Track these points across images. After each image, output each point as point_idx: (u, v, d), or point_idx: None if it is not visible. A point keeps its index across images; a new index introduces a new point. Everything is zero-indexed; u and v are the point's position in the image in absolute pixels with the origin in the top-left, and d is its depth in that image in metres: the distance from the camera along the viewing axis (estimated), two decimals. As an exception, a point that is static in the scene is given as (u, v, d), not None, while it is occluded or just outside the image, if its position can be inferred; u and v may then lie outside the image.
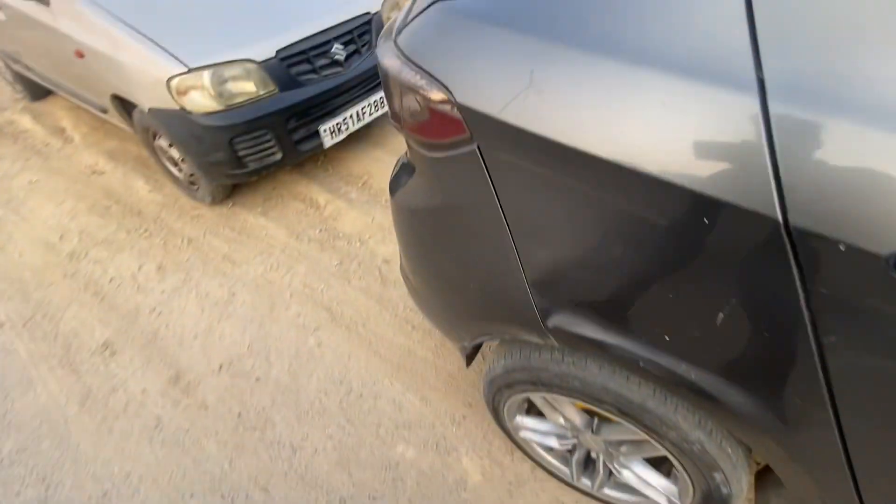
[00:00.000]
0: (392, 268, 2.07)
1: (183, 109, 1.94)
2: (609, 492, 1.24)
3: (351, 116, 2.39)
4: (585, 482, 1.27)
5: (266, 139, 2.12)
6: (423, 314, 1.35)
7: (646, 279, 0.72)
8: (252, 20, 2.10)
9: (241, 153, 2.09)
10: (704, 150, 0.57)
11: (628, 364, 0.83)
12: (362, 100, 2.42)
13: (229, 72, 1.94)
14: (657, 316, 0.74)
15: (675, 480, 1.07)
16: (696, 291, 0.67)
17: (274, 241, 2.26)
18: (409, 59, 0.83)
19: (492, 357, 1.17)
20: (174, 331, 1.88)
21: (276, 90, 2.06)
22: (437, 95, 0.79)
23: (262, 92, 2.03)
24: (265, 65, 2.01)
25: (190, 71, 1.86)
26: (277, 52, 2.03)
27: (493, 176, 0.79)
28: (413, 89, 0.82)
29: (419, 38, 0.81)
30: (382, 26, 2.45)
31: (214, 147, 2.03)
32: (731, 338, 0.68)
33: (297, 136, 2.23)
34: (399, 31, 0.87)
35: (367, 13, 2.36)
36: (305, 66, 2.15)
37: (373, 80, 2.44)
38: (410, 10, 0.91)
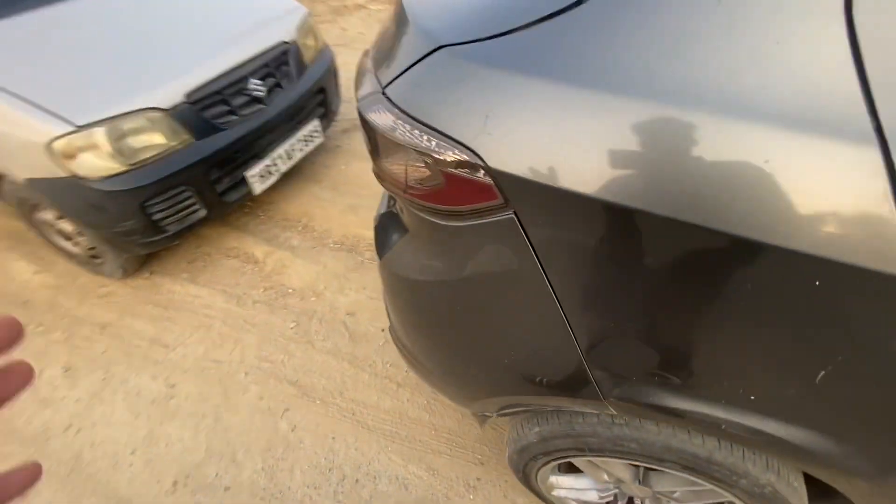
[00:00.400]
0: (359, 320, 1.87)
1: (74, 176, 1.58)
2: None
3: (280, 157, 2.15)
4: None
5: (186, 196, 1.81)
6: (428, 384, 1.19)
7: (734, 341, 0.64)
8: (153, 62, 1.78)
9: (157, 217, 1.76)
10: (816, 209, 0.49)
11: (706, 428, 0.75)
12: (290, 137, 2.18)
13: (130, 124, 1.62)
14: (743, 377, 0.67)
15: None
16: (797, 352, 0.60)
17: (211, 311, 1.94)
18: (411, 117, 0.68)
19: (517, 424, 1.05)
20: (103, 449, 1.52)
21: (191, 139, 1.77)
22: (458, 159, 0.65)
23: (173, 143, 1.73)
24: (174, 112, 1.71)
25: (78, 129, 1.52)
26: (187, 95, 1.74)
27: (535, 244, 0.67)
28: (422, 152, 0.68)
29: (425, 91, 0.66)
30: (300, 55, 2.24)
31: (122, 216, 1.69)
32: (832, 394, 0.62)
33: (221, 187, 1.94)
34: (390, 81, 0.72)
35: (283, 42, 2.13)
36: (222, 108, 1.87)
37: (299, 112, 2.22)
38: (393, 52, 0.77)
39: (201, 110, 1.80)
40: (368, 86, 0.78)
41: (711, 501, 0.98)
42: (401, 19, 0.80)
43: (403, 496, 1.37)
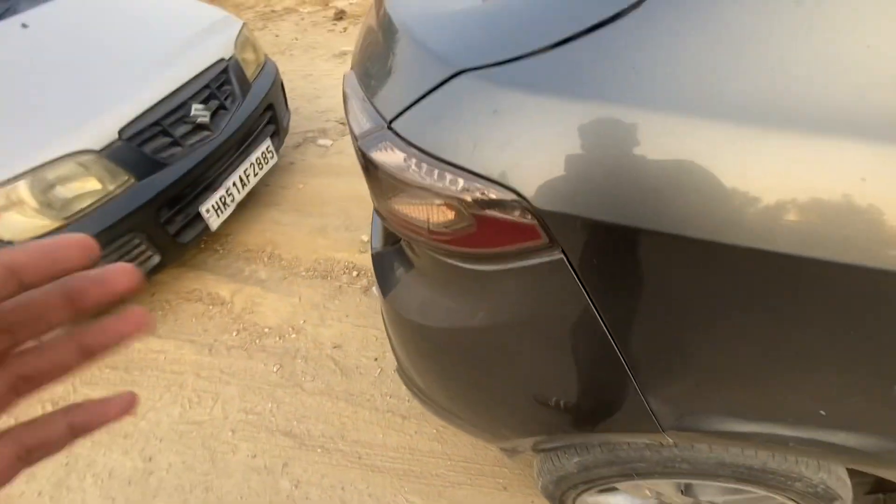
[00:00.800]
0: (347, 352, 1.75)
1: (-3, 240, 1.35)
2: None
3: (234, 185, 1.97)
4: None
5: (135, 245, 1.61)
6: (448, 423, 1.11)
7: (810, 363, 0.60)
8: (78, 98, 1.55)
9: (104, 271, 1.55)
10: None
11: (772, 446, 0.72)
12: (243, 161, 2.00)
13: (56, 172, 1.40)
14: (814, 395, 0.63)
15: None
16: (874, 366, 0.57)
17: (180, 365, 1.75)
18: (429, 155, 0.59)
19: (553, 455, 0.99)
20: (77, 547, 1.33)
21: (132, 180, 1.57)
22: (493, 199, 0.56)
23: (112, 188, 1.52)
24: (108, 152, 1.50)
25: (-7, 186, 1.30)
26: (120, 132, 1.54)
27: (587, 283, 0.60)
28: (447, 195, 0.59)
29: (445, 124, 0.57)
30: (241, 71, 2.05)
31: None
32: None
33: (174, 227, 1.74)
34: (397, 115, 0.62)
35: (222, 59, 1.94)
36: (164, 140, 1.67)
37: (249, 134, 2.04)
38: (391, 77, 0.67)
39: (139, 146, 1.59)
40: (365, 118, 0.68)
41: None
42: (392, 36, 0.70)
43: (430, 539, 1.29)
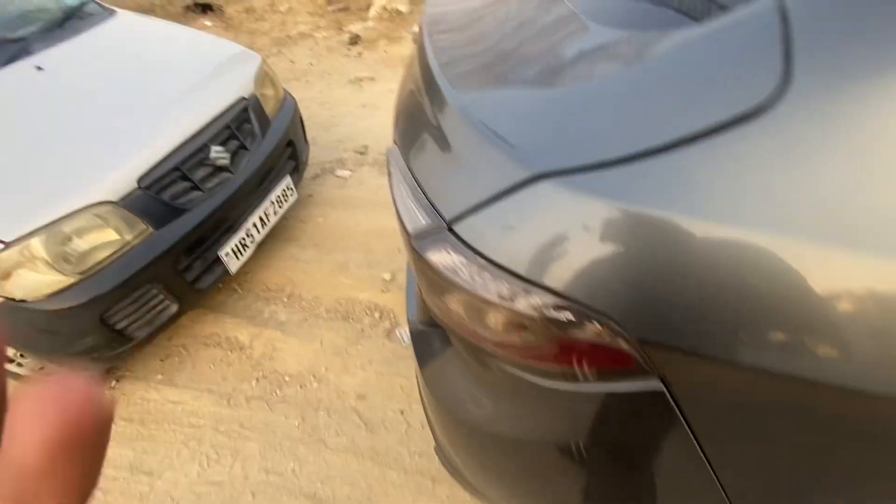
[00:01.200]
0: (372, 403, 1.66)
1: (10, 300, 1.29)
2: None
3: (254, 225, 1.91)
4: None
5: (152, 295, 1.55)
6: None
7: None
8: (95, 146, 1.51)
9: (122, 325, 1.49)
10: None
11: None
12: (263, 201, 1.95)
13: (73, 225, 1.35)
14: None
15: None
16: None
17: (198, 417, 1.67)
18: (500, 267, 0.50)
19: None
20: None
21: (151, 229, 1.51)
22: (579, 322, 0.48)
23: (129, 237, 1.47)
24: (126, 202, 1.45)
25: (8, 246, 1.24)
26: (139, 180, 1.49)
27: (689, 416, 0.51)
28: (523, 314, 0.50)
29: (522, 236, 0.49)
30: (261, 109, 2.01)
31: (79, 334, 1.41)
32: None
33: (192, 274, 1.68)
34: (459, 216, 0.54)
35: (242, 98, 1.89)
36: (183, 185, 1.62)
37: (269, 173, 1.99)
38: (447, 167, 0.59)
39: (158, 193, 1.54)
40: (418, 211, 0.60)
41: None
42: (448, 116, 0.62)
43: None
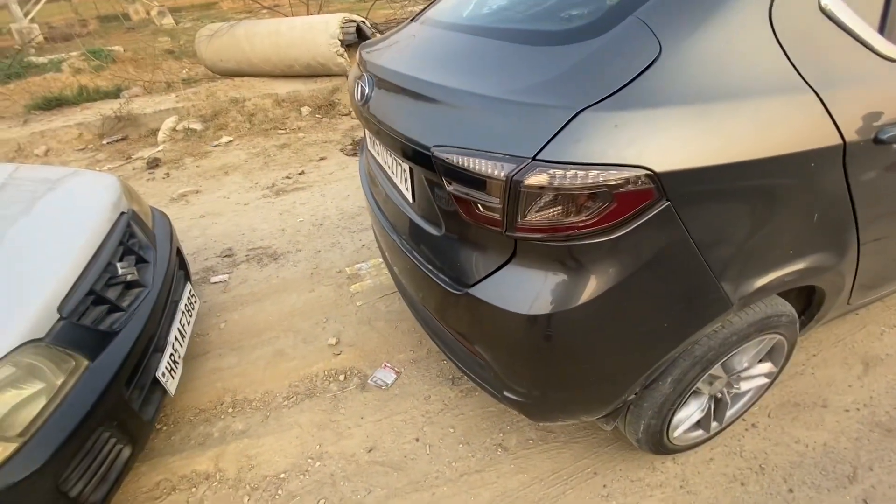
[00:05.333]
0: (385, 449, 1.66)
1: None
2: (729, 413, 1.51)
3: (176, 339, 1.73)
4: (715, 424, 1.49)
5: (104, 441, 1.28)
6: (559, 419, 1.26)
7: (787, 235, 1.04)
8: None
9: (76, 491, 1.18)
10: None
11: (781, 286, 1.14)
12: (175, 313, 1.78)
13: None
14: (790, 245, 1.08)
15: (772, 354, 1.44)
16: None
17: (197, 570, 1.37)
18: (579, 164, 0.85)
19: (648, 395, 1.23)
20: None
21: (86, 361, 1.28)
22: (632, 177, 0.86)
23: (68, 379, 1.22)
24: (53, 336, 1.22)
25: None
26: (60, 309, 1.27)
27: (684, 218, 0.93)
28: (593, 186, 0.85)
29: (583, 143, 0.85)
30: (142, 221, 1.88)
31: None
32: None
33: (136, 405, 1.44)
34: (540, 149, 0.86)
35: (122, 213, 1.75)
36: (100, 308, 1.42)
37: (172, 283, 1.84)
38: (528, 134, 0.91)
39: (78, 320, 1.32)
40: (491, 163, 0.90)
41: (762, 353, 1.39)
42: (483, 106, 0.96)
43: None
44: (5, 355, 1.10)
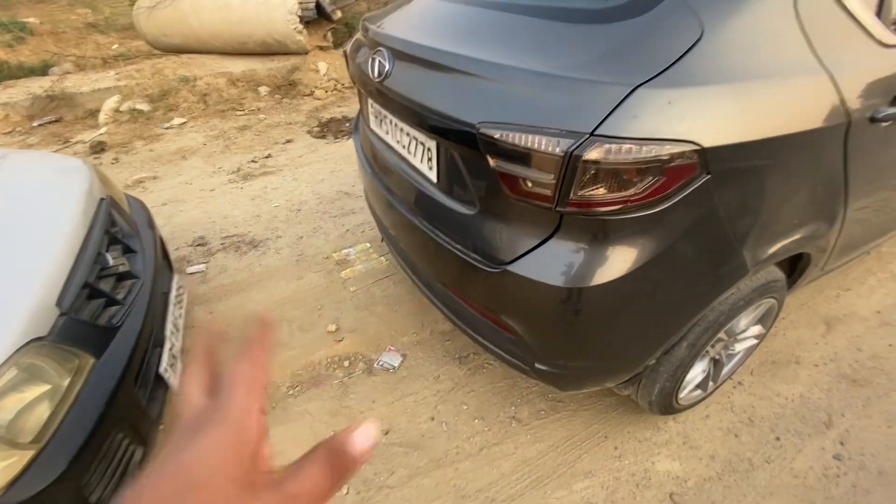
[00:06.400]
0: (402, 430, 1.66)
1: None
2: (724, 373, 1.64)
3: (172, 333, 1.62)
4: (711, 384, 1.62)
5: (119, 440, 1.19)
6: (588, 386, 1.32)
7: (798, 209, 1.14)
8: None
9: (97, 493, 1.10)
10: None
11: (784, 252, 1.24)
12: (168, 305, 1.67)
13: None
14: (797, 217, 1.19)
15: (763, 318, 1.57)
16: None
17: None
18: (636, 139, 0.88)
19: (665, 360, 1.31)
20: None
21: (92, 359, 1.18)
22: (682, 151, 0.90)
23: (76, 378, 1.12)
24: (56, 333, 1.11)
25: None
26: (58, 305, 1.15)
27: (716, 189, 0.99)
28: (647, 161, 0.90)
29: (639, 119, 0.88)
30: (120, 207, 1.73)
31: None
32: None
33: (143, 402, 1.35)
34: (598, 125, 0.89)
35: (101, 199, 1.60)
36: (97, 302, 1.30)
37: (159, 270, 1.71)
38: (565, 105, 0.93)
39: (77, 314, 1.21)
40: (546, 139, 0.92)
41: (758, 314, 1.52)
42: (546, 82, 0.96)
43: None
44: (9, 357, 0.99)
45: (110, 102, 4.30)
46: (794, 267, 1.53)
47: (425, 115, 1.18)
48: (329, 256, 2.54)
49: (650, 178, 0.92)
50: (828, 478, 1.48)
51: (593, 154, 0.90)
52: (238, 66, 5.10)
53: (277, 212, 2.96)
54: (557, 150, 0.92)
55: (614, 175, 0.92)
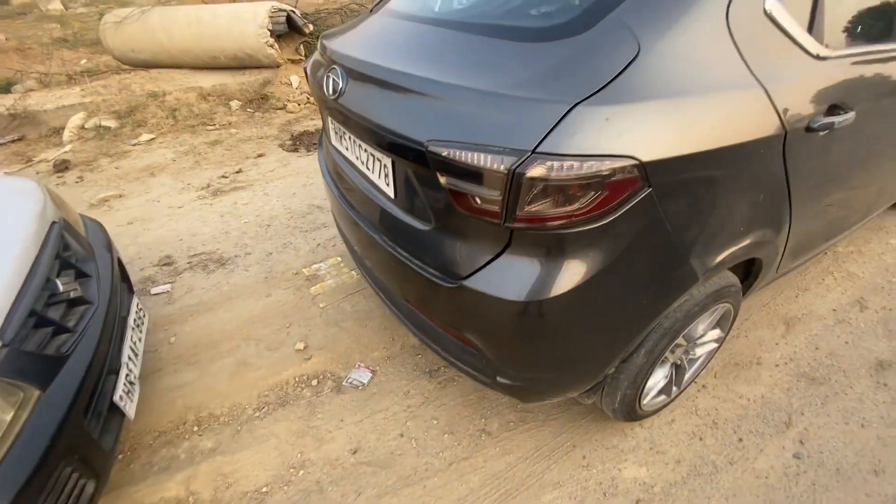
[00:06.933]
0: (370, 449, 1.64)
1: None
2: (686, 377, 1.67)
3: (129, 359, 1.58)
4: (675, 389, 1.65)
5: (66, 478, 1.15)
6: (549, 397, 1.33)
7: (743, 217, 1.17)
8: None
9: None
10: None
11: (735, 258, 1.28)
12: (125, 330, 1.63)
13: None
14: (742, 223, 1.22)
15: (721, 322, 1.61)
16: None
17: None
18: (575, 156, 0.90)
19: (625, 368, 1.33)
20: None
21: (37, 391, 1.14)
22: (620, 166, 0.92)
23: (17, 412, 1.08)
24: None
25: None
26: (1, 336, 1.11)
27: (661, 203, 1.02)
28: (588, 177, 0.91)
29: (578, 137, 0.90)
30: (75, 231, 1.68)
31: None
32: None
33: (95, 433, 1.30)
34: (539, 143, 0.90)
35: (53, 223, 1.56)
36: (45, 331, 1.26)
37: (115, 294, 1.67)
38: (508, 123, 0.94)
39: (21, 346, 1.17)
40: (489, 157, 0.93)
41: (715, 319, 1.55)
42: (481, 101, 0.98)
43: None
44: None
45: (75, 119, 4.21)
46: (749, 271, 1.58)
47: (378, 132, 1.18)
48: (299, 272, 2.52)
49: (592, 192, 0.94)
50: (788, 476, 1.51)
51: (536, 171, 0.91)
52: (209, 80, 5.05)
53: (247, 228, 2.93)
54: (502, 167, 0.93)
55: (558, 191, 0.94)
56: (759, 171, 1.17)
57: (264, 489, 1.53)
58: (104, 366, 1.41)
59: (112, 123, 4.29)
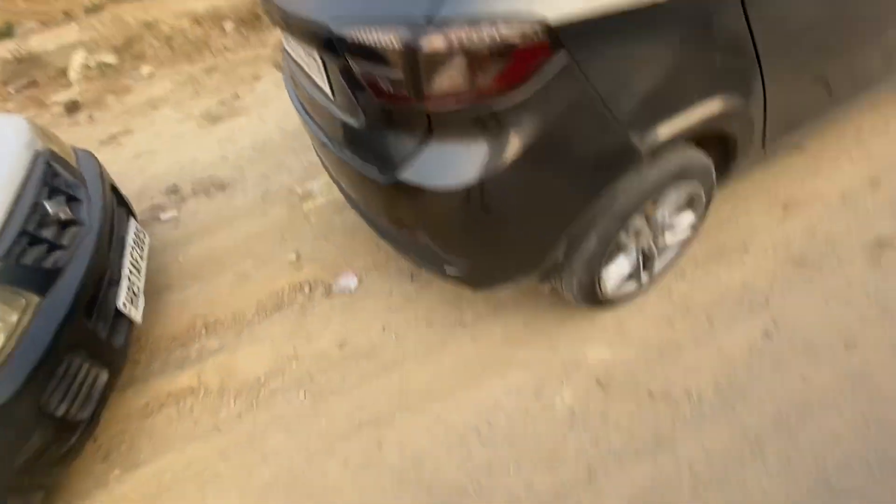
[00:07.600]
0: (356, 341, 1.79)
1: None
2: (658, 265, 1.66)
3: (131, 272, 1.74)
4: (645, 277, 1.64)
5: (77, 367, 1.35)
6: (498, 286, 1.37)
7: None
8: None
9: (62, 411, 1.27)
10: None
11: (683, 136, 1.20)
12: (124, 248, 1.78)
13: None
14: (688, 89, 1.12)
15: (694, 207, 1.55)
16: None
17: (199, 464, 1.53)
18: (475, 21, 0.84)
19: (577, 256, 1.33)
20: None
21: (37, 297, 1.30)
22: (526, 31, 0.86)
23: (20, 316, 1.25)
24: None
25: None
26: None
27: (586, 72, 0.95)
28: (490, 46, 0.85)
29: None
30: (64, 160, 1.79)
31: (24, 433, 1.18)
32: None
33: (103, 335, 1.49)
34: (431, 12, 0.84)
35: (38, 153, 1.66)
36: (39, 248, 1.41)
37: (113, 219, 1.80)
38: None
39: (17, 261, 1.32)
40: (383, 30, 0.88)
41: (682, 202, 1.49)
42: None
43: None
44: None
45: (77, 58, 4.24)
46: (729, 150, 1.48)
47: (297, 23, 1.14)
48: (293, 190, 2.59)
49: (501, 63, 0.89)
50: (752, 352, 1.53)
51: (433, 43, 0.86)
52: (201, 2, 4.86)
53: (243, 151, 2.98)
54: (396, 42, 0.89)
55: (463, 64, 0.89)
56: (710, 28, 1.05)
57: (262, 378, 1.73)
58: (104, 277, 1.57)
59: (112, 59, 4.30)
